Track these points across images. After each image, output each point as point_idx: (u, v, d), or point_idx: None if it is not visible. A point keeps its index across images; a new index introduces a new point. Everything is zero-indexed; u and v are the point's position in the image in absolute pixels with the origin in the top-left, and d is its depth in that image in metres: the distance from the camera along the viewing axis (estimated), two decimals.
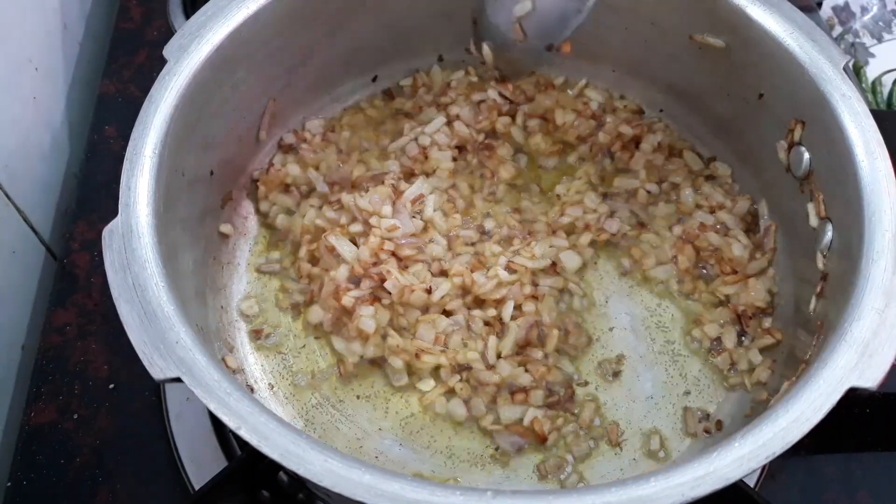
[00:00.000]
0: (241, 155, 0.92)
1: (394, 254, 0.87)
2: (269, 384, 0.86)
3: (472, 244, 0.91)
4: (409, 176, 0.95)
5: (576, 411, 0.84)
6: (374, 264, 0.86)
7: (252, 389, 0.84)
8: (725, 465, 0.59)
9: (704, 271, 0.92)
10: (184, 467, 0.84)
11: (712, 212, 0.94)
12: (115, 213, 0.69)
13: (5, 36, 0.95)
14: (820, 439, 0.65)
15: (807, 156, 0.83)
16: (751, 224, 0.94)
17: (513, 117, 1.00)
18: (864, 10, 1.37)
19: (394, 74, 1.03)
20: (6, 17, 0.96)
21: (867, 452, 0.91)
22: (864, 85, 1.26)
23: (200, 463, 0.84)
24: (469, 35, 1.00)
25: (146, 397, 0.90)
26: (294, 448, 0.58)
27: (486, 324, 0.87)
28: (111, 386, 0.91)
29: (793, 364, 0.78)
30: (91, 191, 1.04)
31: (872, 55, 1.31)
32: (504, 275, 0.87)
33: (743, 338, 0.88)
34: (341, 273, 0.86)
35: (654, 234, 0.94)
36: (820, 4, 1.31)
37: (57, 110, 1.09)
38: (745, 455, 0.60)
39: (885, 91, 1.26)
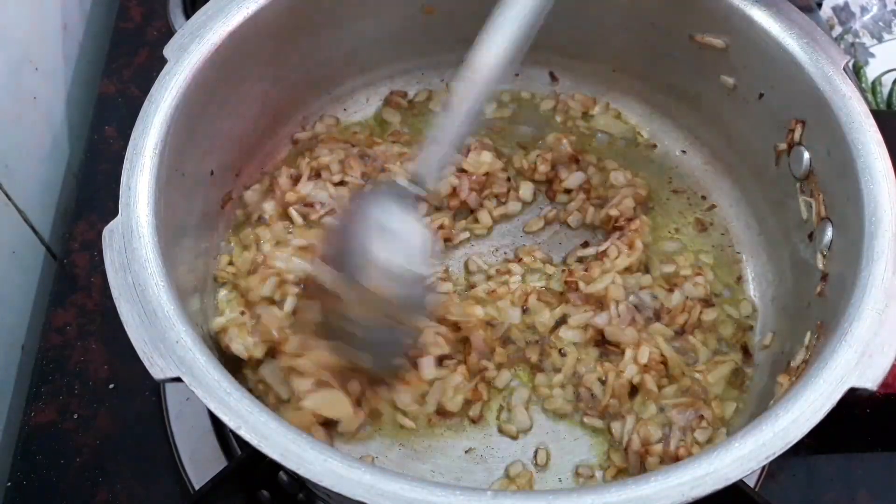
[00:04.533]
0: (241, 155, 0.92)
1: None
2: None
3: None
4: None
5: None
6: None
7: (252, 389, 0.84)
8: (725, 465, 0.59)
9: None
10: (184, 467, 0.84)
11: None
12: (115, 213, 0.69)
13: (5, 36, 0.95)
14: (820, 439, 0.65)
15: (807, 156, 0.83)
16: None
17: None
18: (864, 10, 1.37)
19: (394, 75, 1.03)
20: (6, 17, 0.96)
21: (867, 452, 0.91)
22: (864, 85, 1.26)
23: (200, 463, 0.84)
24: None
25: (146, 397, 0.90)
26: (294, 448, 0.58)
27: None
28: (111, 386, 0.91)
29: (791, 365, 0.78)
30: (91, 191, 1.04)
31: (872, 55, 1.31)
32: None
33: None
34: None
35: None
36: (820, 4, 1.31)
37: (57, 110, 1.09)
38: (745, 455, 0.60)
39: (885, 91, 1.25)
